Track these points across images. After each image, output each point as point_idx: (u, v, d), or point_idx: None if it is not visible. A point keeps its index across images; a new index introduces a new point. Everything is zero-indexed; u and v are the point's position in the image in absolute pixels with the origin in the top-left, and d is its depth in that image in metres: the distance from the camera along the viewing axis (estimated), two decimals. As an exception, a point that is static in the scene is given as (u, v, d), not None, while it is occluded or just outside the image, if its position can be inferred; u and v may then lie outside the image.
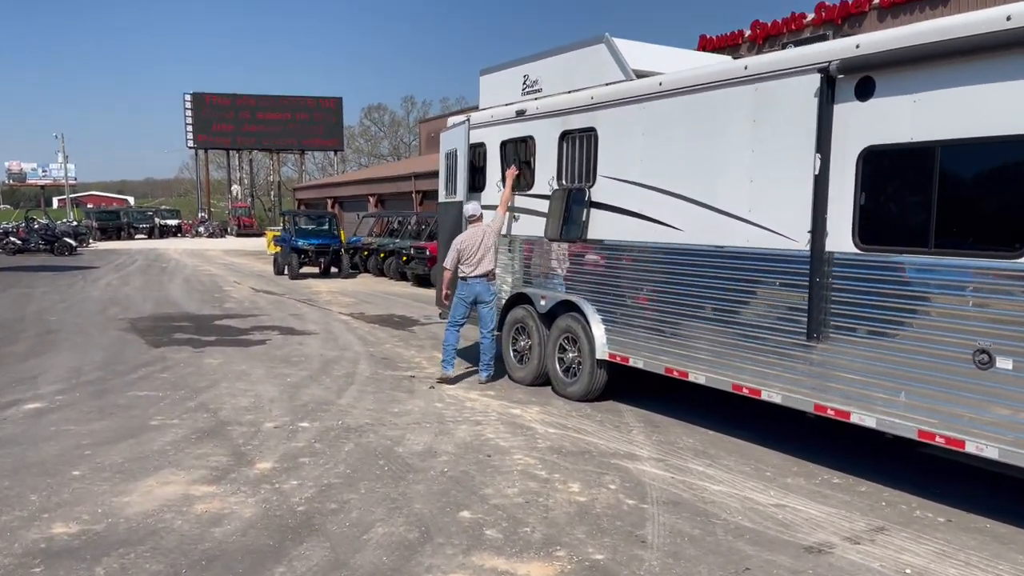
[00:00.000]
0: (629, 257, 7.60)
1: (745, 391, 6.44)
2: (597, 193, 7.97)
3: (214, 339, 12.13)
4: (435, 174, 34.98)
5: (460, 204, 9.67)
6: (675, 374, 7.11)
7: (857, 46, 5.55)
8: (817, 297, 5.80)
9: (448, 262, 9.09)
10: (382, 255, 25.95)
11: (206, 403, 7.89)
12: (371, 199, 38.94)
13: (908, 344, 5.25)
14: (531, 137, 8.96)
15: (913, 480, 5.85)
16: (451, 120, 10.64)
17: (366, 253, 27.30)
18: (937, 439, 5.11)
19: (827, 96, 5.69)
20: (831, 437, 6.95)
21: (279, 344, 11.75)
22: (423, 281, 22.39)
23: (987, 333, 4.81)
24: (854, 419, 5.61)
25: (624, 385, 8.23)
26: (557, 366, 8.59)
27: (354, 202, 41.44)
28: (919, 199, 5.21)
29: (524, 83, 9.48)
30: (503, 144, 9.40)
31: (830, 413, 5.78)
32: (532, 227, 8.90)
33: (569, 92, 8.59)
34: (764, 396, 6.28)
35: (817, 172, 5.74)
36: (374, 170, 52.26)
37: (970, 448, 4.94)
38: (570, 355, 8.41)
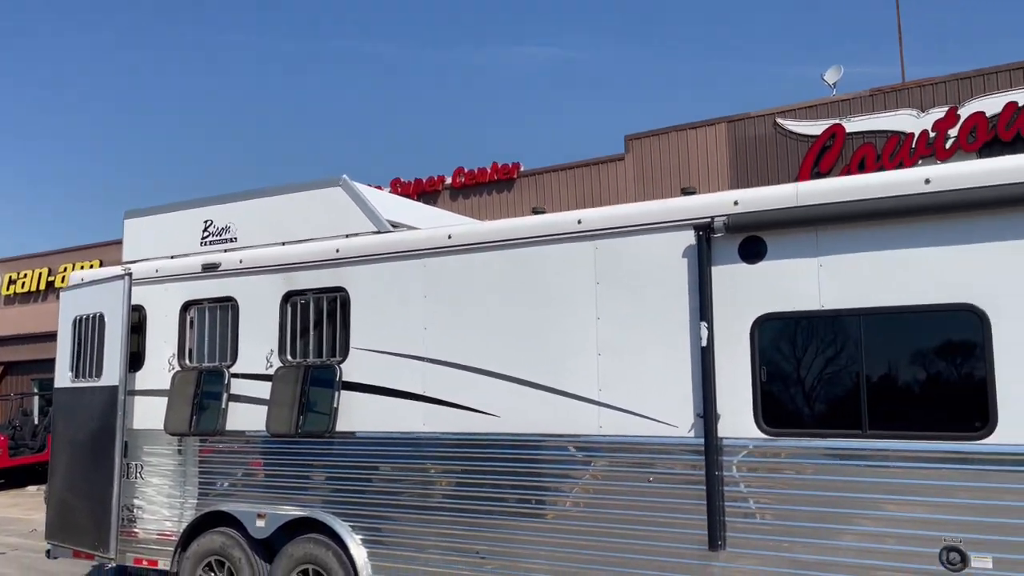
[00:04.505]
0: (411, 453, 5.83)
1: (614, 621, 5.05)
2: (352, 371, 6.11)
3: None
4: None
5: (110, 390, 6.81)
6: (498, 608, 5.41)
7: (736, 202, 4.97)
8: (716, 495, 4.80)
9: None
10: None
11: None
12: None
13: (850, 546, 4.47)
14: (232, 299, 6.75)
15: None
16: (79, 275, 7.74)
17: None
18: (906, 658, 4.32)
19: (706, 257, 4.96)
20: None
21: None
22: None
23: (955, 527, 4.24)
24: (784, 644, 4.59)
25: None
26: (289, 613, 6.16)
27: None
28: (842, 374, 4.61)
29: (206, 230, 7.28)
30: (186, 307, 6.96)
31: (749, 639, 4.68)
32: (237, 418, 6.55)
33: (285, 244, 6.72)
34: (645, 626, 4.96)
35: (704, 344, 4.89)
36: None
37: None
38: (312, 595, 6.09)
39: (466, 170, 20.99)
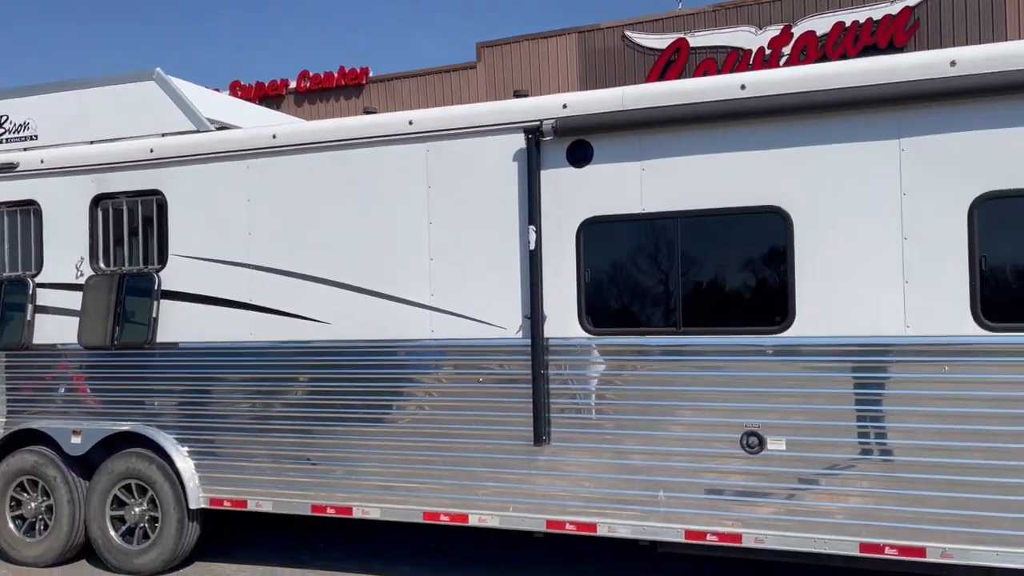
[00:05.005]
0: (238, 363, 5.64)
1: (444, 519, 5.16)
2: (172, 279, 5.79)
3: None
4: None
5: None
6: (330, 512, 5.40)
7: (564, 105, 4.95)
8: (542, 393, 4.92)
9: None
10: None
11: None
12: None
13: (664, 435, 4.71)
14: (34, 203, 6.19)
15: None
16: None
17: None
18: (709, 538, 4.65)
19: (535, 161, 4.94)
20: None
21: None
22: None
23: (754, 414, 4.54)
24: (602, 531, 4.83)
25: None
26: (111, 530, 5.91)
27: None
28: (660, 274, 4.77)
29: (1, 127, 6.60)
30: (-20, 211, 6.33)
31: (570, 528, 4.89)
32: (46, 330, 6.10)
33: (93, 143, 6.20)
34: (474, 521, 5.09)
35: (532, 247, 4.92)
36: None
37: (748, 542, 4.58)
38: (136, 510, 5.86)
39: (312, 74, 20.04)
